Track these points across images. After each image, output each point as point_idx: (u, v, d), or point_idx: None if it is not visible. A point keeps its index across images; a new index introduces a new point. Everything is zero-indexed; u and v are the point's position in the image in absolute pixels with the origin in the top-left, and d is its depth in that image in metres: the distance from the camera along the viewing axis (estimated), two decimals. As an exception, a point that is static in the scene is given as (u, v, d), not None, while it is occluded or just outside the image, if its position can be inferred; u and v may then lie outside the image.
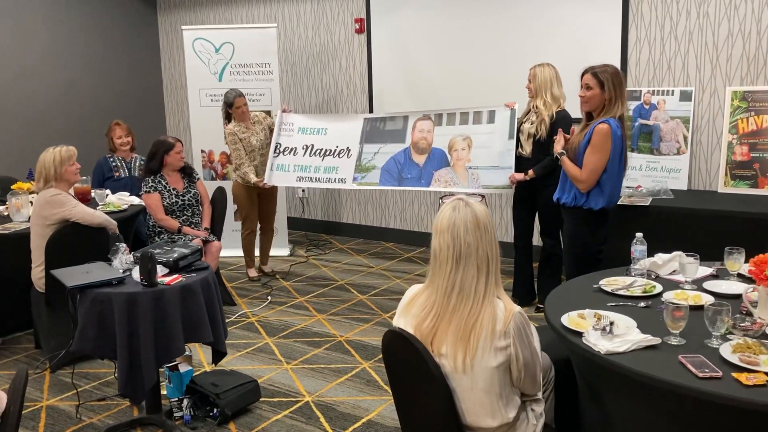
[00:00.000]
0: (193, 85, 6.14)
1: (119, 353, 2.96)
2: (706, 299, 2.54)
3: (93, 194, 4.92)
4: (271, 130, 5.56)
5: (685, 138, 4.79)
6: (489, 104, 4.93)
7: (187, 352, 3.49)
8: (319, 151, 5.39)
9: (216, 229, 4.86)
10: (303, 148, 5.41)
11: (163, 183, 4.64)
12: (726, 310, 2.16)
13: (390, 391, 2.33)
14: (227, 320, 4.54)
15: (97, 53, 7.24)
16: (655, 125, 4.89)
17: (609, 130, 3.34)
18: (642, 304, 2.58)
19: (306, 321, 4.61)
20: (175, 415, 3.33)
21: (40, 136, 6.28)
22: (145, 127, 7.07)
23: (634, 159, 4.88)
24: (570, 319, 2.37)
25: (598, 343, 2.16)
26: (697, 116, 4.85)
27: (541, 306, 4.43)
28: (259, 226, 5.64)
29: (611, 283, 2.80)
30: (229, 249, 5.85)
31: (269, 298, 5.08)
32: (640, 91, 4.94)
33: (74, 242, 3.82)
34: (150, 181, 4.62)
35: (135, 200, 4.83)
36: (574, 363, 2.50)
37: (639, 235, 2.99)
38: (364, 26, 6.35)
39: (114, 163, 5.45)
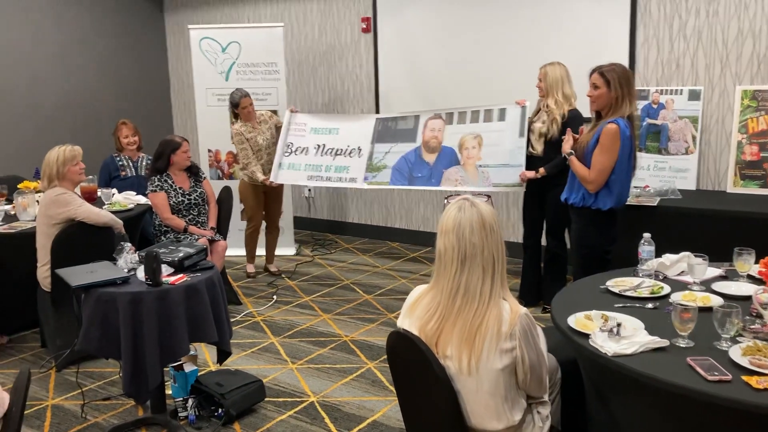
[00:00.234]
0: (200, 85, 6.14)
1: (123, 353, 2.95)
2: (715, 301, 2.50)
3: (99, 193, 4.92)
4: (278, 129, 5.56)
5: (694, 138, 4.75)
6: (499, 102, 4.90)
7: (192, 352, 3.49)
8: (330, 150, 5.39)
9: (222, 228, 4.85)
10: (315, 148, 5.42)
11: (170, 182, 4.63)
12: (735, 311, 2.13)
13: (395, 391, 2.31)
14: (233, 319, 4.55)
15: (105, 53, 7.25)
16: (663, 125, 4.85)
17: (618, 130, 3.31)
18: (650, 305, 2.55)
19: (311, 321, 4.60)
20: (179, 414, 3.32)
21: (49, 135, 6.28)
22: (153, 127, 7.08)
23: (642, 159, 4.84)
24: (577, 321, 2.35)
25: (605, 344, 2.14)
26: (706, 116, 4.81)
27: (548, 307, 4.40)
28: (264, 225, 5.65)
29: (618, 284, 2.77)
30: (235, 248, 5.84)
31: (275, 297, 5.07)
32: (649, 90, 4.90)
33: (80, 241, 3.81)
34: (156, 180, 4.62)
35: (141, 199, 4.83)
36: (580, 365, 2.47)
37: (647, 235, 2.96)
38: (370, 26, 6.33)
39: (121, 163, 5.45)
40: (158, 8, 7.79)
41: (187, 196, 4.66)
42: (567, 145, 3.59)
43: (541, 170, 4.39)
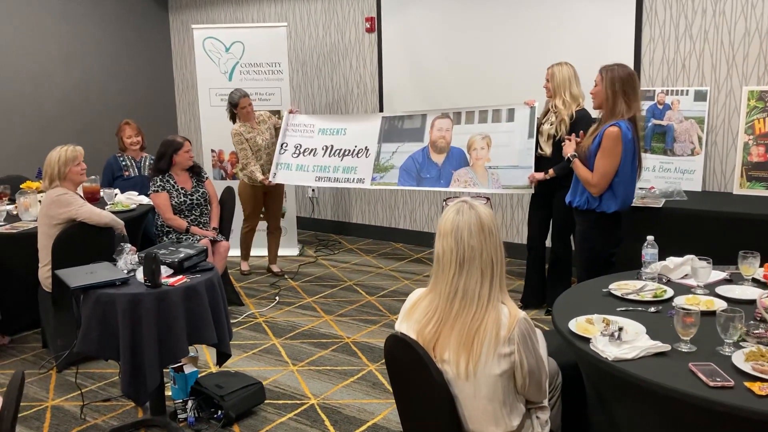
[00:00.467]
0: (203, 85, 6.13)
1: (122, 354, 2.93)
2: (719, 305, 2.47)
3: (102, 193, 4.92)
4: (276, 129, 5.56)
5: (700, 139, 4.71)
6: (505, 102, 4.87)
7: (192, 353, 3.47)
8: (338, 151, 5.38)
9: (224, 228, 4.84)
10: (323, 149, 5.41)
11: (172, 182, 4.62)
12: (739, 316, 2.10)
13: (393, 395, 2.29)
14: (235, 320, 4.55)
15: (110, 53, 7.26)
16: (668, 126, 4.80)
17: (619, 133, 3.28)
18: (652, 309, 2.52)
19: (313, 322, 4.58)
20: (179, 416, 3.30)
21: (53, 135, 6.29)
22: (157, 127, 7.08)
23: (648, 160, 4.80)
24: (578, 325, 2.32)
25: (606, 349, 2.11)
26: (712, 116, 4.76)
27: (551, 309, 4.36)
28: (266, 225, 5.66)
29: (621, 287, 2.73)
30: (238, 249, 5.83)
31: (277, 298, 5.06)
32: (654, 90, 4.86)
33: (81, 242, 3.81)
34: (158, 180, 4.61)
35: (144, 200, 4.82)
36: (581, 369, 2.44)
37: (650, 238, 2.93)
38: (374, 25, 6.30)
39: (124, 163, 5.45)
40: (163, 8, 7.79)
41: (189, 197, 4.65)
42: (570, 148, 3.56)
43: (551, 171, 4.35)
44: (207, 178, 4.85)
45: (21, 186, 4.80)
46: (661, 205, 4.20)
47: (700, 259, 2.73)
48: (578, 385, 2.50)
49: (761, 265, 2.72)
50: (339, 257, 6.15)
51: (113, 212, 4.32)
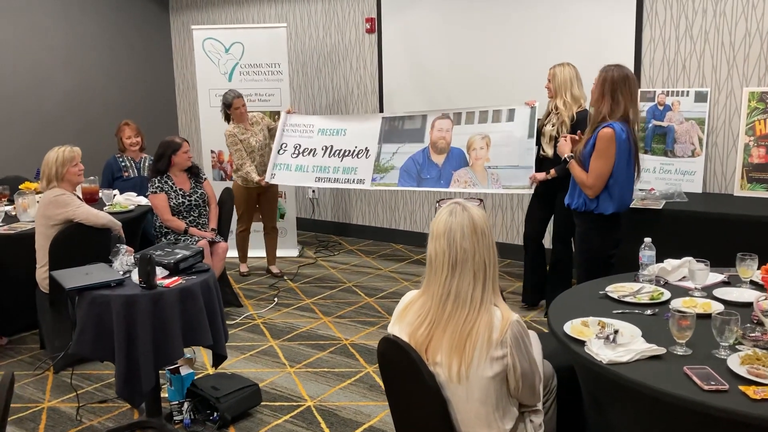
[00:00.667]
0: (203, 86, 6.13)
1: (117, 356, 2.92)
2: (716, 307, 2.45)
3: (100, 194, 4.91)
4: (270, 130, 5.55)
5: (700, 140, 4.68)
6: (505, 103, 4.85)
7: (189, 355, 3.46)
8: (338, 151, 5.36)
9: (223, 229, 4.83)
10: (323, 149, 5.41)
11: (170, 183, 4.62)
12: (734, 319, 2.08)
13: (388, 398, 2.27)
14: (233, 322, 4.55)
15: (110, 53, 7.26)
16: (669, 127, 4.78)
17: (613, 135, 3.26)
18: (648, 311, 2.50)
19: (312, 323, 4.56)
20: (175, 418, 3.29)
21: (53, 136, 6.27)
22: (158, 128, 7.07)
23: (648, 161, 4.79)
24: (573, 327, 2.30)
25: (601, 352, 2.09)
26: (713, 117, 4.74)
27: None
28: (262, 226, 5.67)
29: (618, 289, 2.71)
30: (236, 250, 5.81)
31: (276, 300, 5.05)
32: (655, 91, 4.84)
33: (78, 243, 3.80)
34: (156, 181, 4.60)
35: (142, 200, 4.81)
36: (577, 372, 2.42)
37: (647, 240, 2.91)
38: (374, 26, 6.29)
39: (123, 163, 5.44)
40: (164, 9, 7.79)
41: (187, 198, 4.65)
42: (566, 147, 3.54)
43: (552, 172, 4.33)
44: (205, 179, 4.84)
45: (20, 187, 4.80)
46: (661, 207, 4.18)
47: (697, 261, 2.71)
48: (574, 388, 2.48)
49: (759, 268, 2.69)
50: (339, 258, 6.13)
51: (111, 213, 4.32)
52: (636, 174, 3.47)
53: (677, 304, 2.49)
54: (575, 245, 3.85)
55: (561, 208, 4.28)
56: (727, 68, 4.67)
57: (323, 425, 3.25)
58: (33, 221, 4.24)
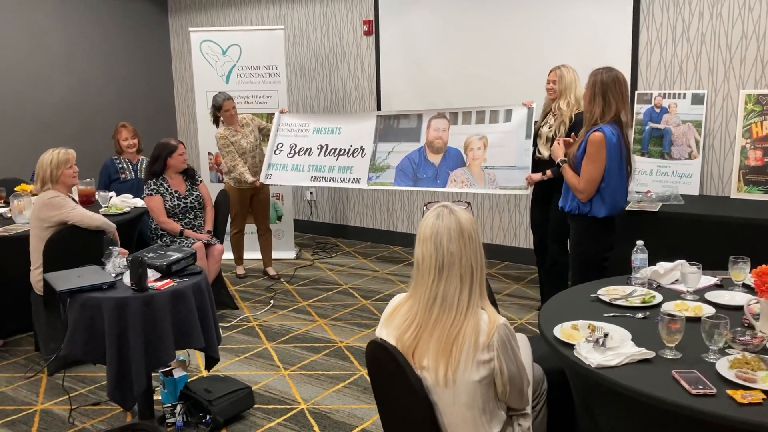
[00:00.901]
0: (200, 88, 6.13)
1: (108, 358, 2.92)
2: (707, 310, 2.44)
3: (97, 196, 4.91)
4: (261, 130, 5.55)
5: (697, 142, 4.67)
6: (506, 103, 4.84)
7: (182, 357, 3.45)
8: (333, 150, 5.35)
9: (219, 232, 4.82)
10: (318, 148, 5.39)
11: (165, 186, 4.61)
12: (724, 323, 2.07)
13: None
14: (228, 324, 4.54)
15: (109, 56, 7.26)
16: (666, 129, 4.77)
17: (603, 138, 3.26)
18: (639, 315, 2.49)
19: (307, 326, 4.56)
20: (168, 421, 3.29)
21: (51, 138, 6.29)
22: (156, 130, 7.07)
23: (645, 163, 4.78)
24: (562, 331, 2.29)
25: (589, 356, 2.08)
26: (710, 120, 4.73)
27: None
28: (256, 229, 5.68)
29: (610, 292, 2.70)
30: (232, 252, 5.81)
31: (272, 302, 5.04)
32: (651, 94, 4.83)
33: (72, 245, 3.80)
34: (152, 183, 4.60)
35: (138, 202, 4.81)
36: (567, 375, 2.41)
37: (639, 243, 2.90)
38: (372, 28, 6.29)
39: (120, 165, 5.44)
40: (162, 11, 7.79)
41: (183, 200, 4.64)
42: (560, 152, 3.53)
43: (548, 173, 4.32)
44: (201, 181, 4.84)
45: (15, 189, 4.80)
46: (657, 209, 4.17)
47: (690, 264, 2.70)
48: (566, 392, 2.47)
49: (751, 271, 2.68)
50: (336, 260, 6.13)
51: (107, 215, 4.32)
52: (629, 176, 3.46)
53: (669, 307, 2.48)
54: (569, 248, 3.84)
55: (556, 209, 4.27)
56: (724, 70, 4.67)
57: (316, 428, 3.24)
58: (28, 223, 4.24)
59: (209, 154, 6.20)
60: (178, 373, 3.38)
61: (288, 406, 3.46)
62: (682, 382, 1.90)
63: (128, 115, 6.74)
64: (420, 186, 5.04)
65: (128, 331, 2.91)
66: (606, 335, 2.16)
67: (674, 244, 3.92)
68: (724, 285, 2.78)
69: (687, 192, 4.59)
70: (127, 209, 4.69)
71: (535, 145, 4.53)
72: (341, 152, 5.33)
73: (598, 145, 3.26)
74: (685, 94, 4.74)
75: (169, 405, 3.31)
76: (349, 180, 5.25)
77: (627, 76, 4.81)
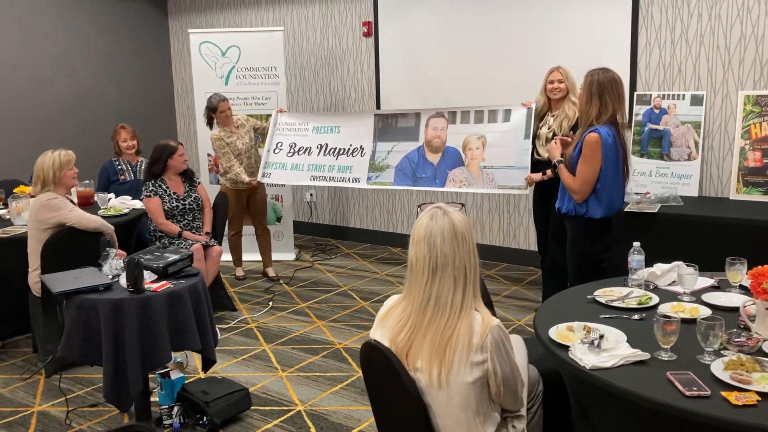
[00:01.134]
0: (200, 89, 6.13)
1: (104, 360, 2.92)
2: (704, 312, 2.43)
3: (96, 198, 4.91)
4: (256, 130, 5.55)
5: (696, 143, 4.66)
6: (505, 103, 4.84)
7: (179, 359, 3.45)
8: (333, 150, 5.35)
9: (217, 233, 4.82)
10: (317, 148, 5.39)
11: (164, 187, 4.62)
12: (719, 324, 2.06)
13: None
14: (226, 326, 4.54)
15: (109, 57, 7.27)
16: (665, 130, 4.76)
17: (598, 139, 3.25)
18: (636, 316, 2.48)
19: (306, 327, 4.55)
20: (165, 422, 3.28)
21: (51, 140, 6.30)
22: (156, 131, 7.08)
23: (644, 164, 4.77)
24: (558, 332, 2.28)
25: (584, 357, 2.07)
26: (709, 121, 4.72)
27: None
28: (254, 229, 5.68)
29: (607, 293, 2.69)
30: (230, 254, 5.81)
31: (270, 303, 5.04)
32: (650, 95, 4.82)
33: (70, 246, 3.80)
34: (150, 185, 4.60)
35: (137, 204, 4.81)
36: (563, 377, 2.40)
37: (636, 244, 2.89)
38: (371, 29, 6.29)
39: (119, 167, 5.44)
40: (162, 12, 7.80)
41: (181, 201, 4.65)
42: (556, 152, 3.53)
43: (548, 172, 4.32)
44: (199, 182, 4.85)
45: (14, 190, 4.80)
46: (656, 211, 4.16)
47: (687, 265, 2.69)
48: (562, 393, 2.47)
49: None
50: (335, 262, 6.13)
51: (105, 217, 4.31)
52: (626, 177, 3.45)
53: (665, 308, 2.47)
54: (567, 249, 3.83)
55: (555, 209, 4.27)
56: (723, 72, 4.66)
57: (313, 430, 3.23)
58: (26, 225, 4.24)
59: (209, 155, 6.20)
60: (175, 375, 3.38)
61: (285, 408, 3.45)
62: (677, 384, 1.89)
63: (128, 116, 6.74)
64: (419, 185, 5.04)
65: (124, 333, 2.91)
66: (601, 337, 2.15)
67: (673, 245, 3.91)
68: (721, 286, 2.77)
69: (686, 193, 4.58)
70: (126, 211, 4.69)
71: (534, 145, 4.53)
72: (341, 151, 5.33)
73: (594, 146, 3.26)
74: (684, 95, 4.73)
75: (166, 406, 3.30)
76: (349, 179, 5.25)
77: (626, 77, 4.85)
